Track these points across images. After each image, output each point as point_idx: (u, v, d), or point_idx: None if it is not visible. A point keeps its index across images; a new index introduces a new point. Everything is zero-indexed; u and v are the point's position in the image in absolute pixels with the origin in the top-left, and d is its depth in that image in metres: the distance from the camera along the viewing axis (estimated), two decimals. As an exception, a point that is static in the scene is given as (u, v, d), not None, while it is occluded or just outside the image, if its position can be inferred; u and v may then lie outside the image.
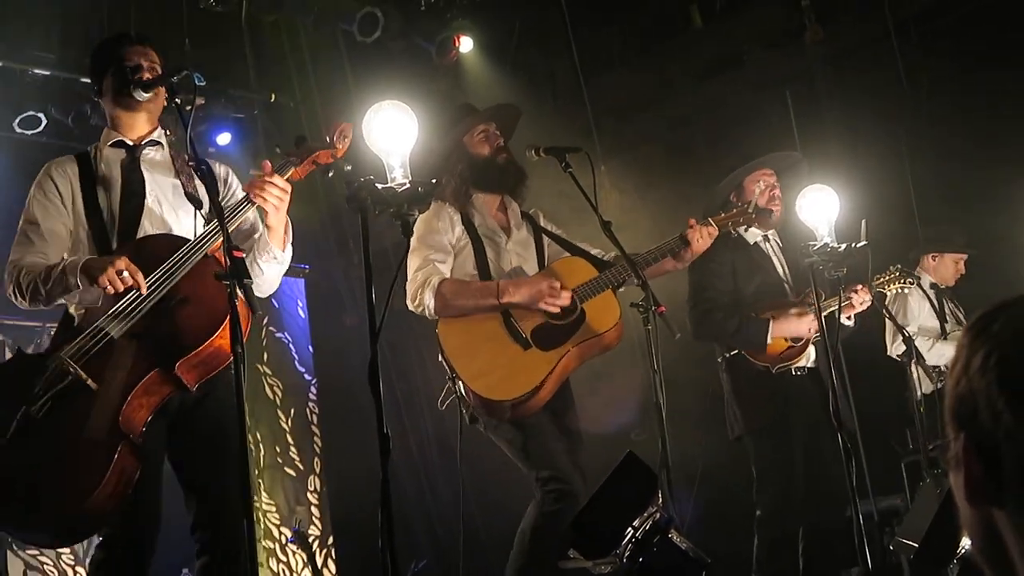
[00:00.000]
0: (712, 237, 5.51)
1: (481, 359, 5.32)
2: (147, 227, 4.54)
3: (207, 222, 4.51)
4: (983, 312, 1.47)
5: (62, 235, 4.53)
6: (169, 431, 4.40)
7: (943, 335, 7.64)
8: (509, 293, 5.32)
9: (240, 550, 4.28)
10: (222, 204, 4.50)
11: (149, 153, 4.71)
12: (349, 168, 4.28)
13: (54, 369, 4.16)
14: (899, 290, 6.53)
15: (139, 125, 4.70)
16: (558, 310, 5.30)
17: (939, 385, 7.10)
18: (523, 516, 5.33)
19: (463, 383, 5.28)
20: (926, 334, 7.58)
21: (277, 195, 4.44)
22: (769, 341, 6.08)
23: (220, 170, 4.82)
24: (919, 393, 7.04)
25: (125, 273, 4.18)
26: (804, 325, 6.01)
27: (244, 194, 4.53)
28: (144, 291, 4.22)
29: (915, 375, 6.97)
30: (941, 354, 7.44)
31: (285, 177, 4.50)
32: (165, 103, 4.69)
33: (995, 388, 1.37)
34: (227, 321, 3.97)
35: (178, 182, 4.68)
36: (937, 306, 7.82)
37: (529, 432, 5.32)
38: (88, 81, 4.79)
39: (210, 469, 4.42)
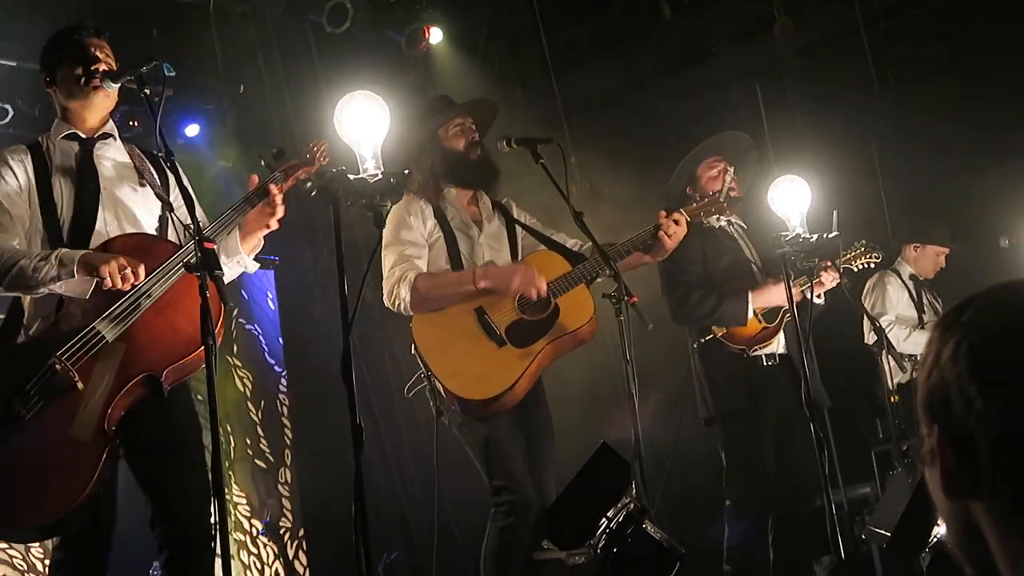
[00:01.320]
0: (684, 228, 5.49)
1: (455, 357, 5.30)
2: (104, 224, 4.50)
3: (179, 218, 4.51)
4: (951, 307, 1.48)
5: (26, 222, 4.47)
6: (127, 428, 4.35)
7: (920, 325, 7.68)
8: (485, 278, 5.30)
9: (203, 542, 4.30)
10: (163, 198, 4.53)
11: (102, 147, 4.66)
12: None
13: (46, 369, 4.14)
14: (865, 265, 6.55)
15: (92, 118, 4.64)
16: (535, 297, 5.28)
17: (913, 374, 7.13)
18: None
19: (438, 380, 5.26)
20: (903, 323, 7.63)
21: (280, 212, 4.57)
22: (750, 314, 6.09)
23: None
24: (891, 383, 7.08)
25: (128, 270, 4.17)
26: (782, 292, 5.98)
27: (243, 197, 4.57)
28: (139, 282, 4.21)
29: (887, 365, 7.00)
30: (917, 343, 7.47)
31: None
32: (118, 96, 4.67)
33: (966, 376, 1.38)
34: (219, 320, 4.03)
35: (137, 178, 4.66)
36: (916, 296, 7.86)
37: (491, 434, 5.29)
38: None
39: (168, 465, 4.40)
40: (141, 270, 4.20)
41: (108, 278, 4.13)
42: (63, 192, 4.51)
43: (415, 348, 5.38)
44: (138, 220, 4.58)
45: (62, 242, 4.41)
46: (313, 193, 4.49)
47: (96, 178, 4.57)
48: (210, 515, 4.29)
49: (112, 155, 4.68)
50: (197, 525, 4.33)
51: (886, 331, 7.32)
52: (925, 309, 7.83)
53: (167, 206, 4.59)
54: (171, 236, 4.59)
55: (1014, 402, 1.35)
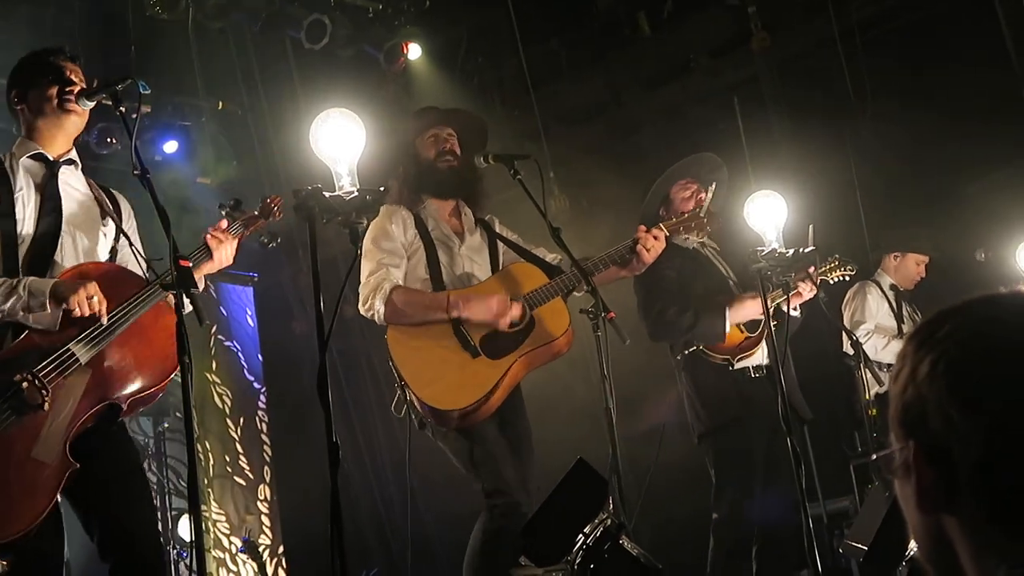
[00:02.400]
0: (663, 243, 5.48)
1: (430, 367, 5.29)
2: (62, 249, 4.47)
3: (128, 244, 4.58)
4: (925, 321, 1.48)
5: None
6: (79, 455, 4.25)
7: (899, 335, 7.69)
8: (459, 308, 5.29)
9: (156, 568, 4.34)
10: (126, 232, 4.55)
11: (66, 172, 4.63)
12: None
13: (18, 386, 4.10)
14: (840, 278, 6.58)
15: (60, 141, 4.60)
16: (508, 327, 5.28)
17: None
18: (475, 524, 5.32)
19: (411, 391, 5.26)
20: (882, 332, 7.65)
21: (229, 255, 4.65)
22: (727, 328, 6.10)
23: (124, 204, 4.82)
24: (868, 395, 7.09)
25: (95, 298, 4.16)
26: (758, 306, 5.98)
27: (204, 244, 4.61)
28: (105, 321, 4.21)
29: (864, 378, 7.02)
30: (896, 352, 7.46)
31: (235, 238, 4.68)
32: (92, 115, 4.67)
33: (946, 394, 1.38)
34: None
35: (92, 206, 4.64)
36: (895, 307, 7.88)
37: (475, 442, 5.28)
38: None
39: (120, 494, 4.37)
40: (104, 307, 4.19)
41: (77, 308, 4.13)
42: (25, 213, 4.46)
43: (390, 358, 5.37)
44: (94, 250, 4.57)
45: (16, 263, 4.36)
46: (271, 246, 4.66)
47: (59, 202, 4.53)
48: (160, 541, 4.31)
49: (75, 183, 4.65)
50: (151, 551, 4.34)
51: (864, 340, 7.35)
52: (905, 319, 7.84)
53: (125, 237, 4.59)
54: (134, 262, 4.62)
55: (996, 423, 1.35)
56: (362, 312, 5.40)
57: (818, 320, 6.56)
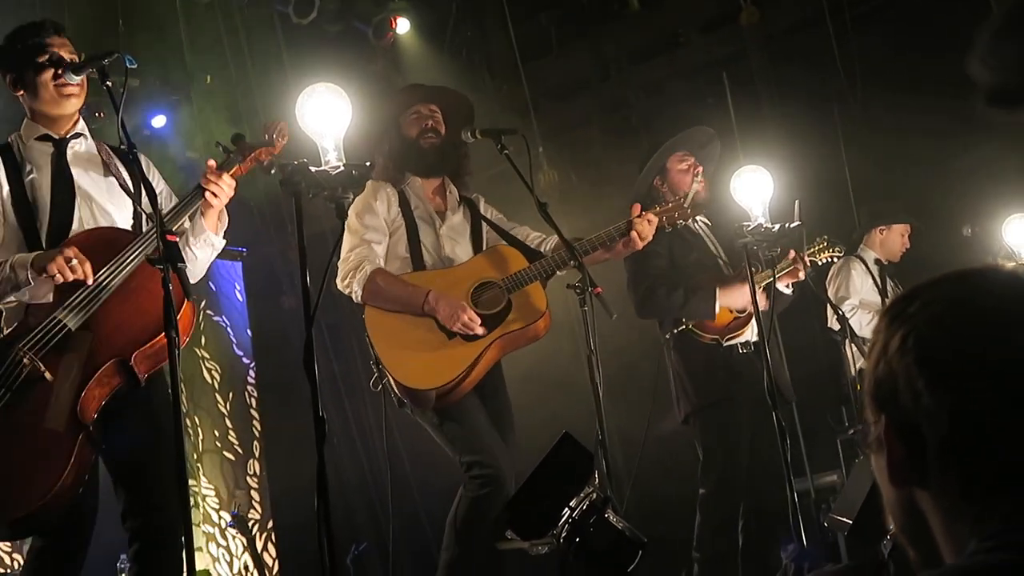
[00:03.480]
0: (653, 230, 5.50)
1: (406, 346, 5.30)
2: (80, 222, 4.49)
3: (142, 209, 4.53)
4: (898, 296, 1.49)
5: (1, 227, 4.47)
6: (104, 421, 4.33)
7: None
8: (431, 307, 5.30)
9: (173, 536, 4.31)
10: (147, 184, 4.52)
11: (75, 146, 4.64)
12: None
13: (11, 362, 4.12)
14: (828, 260, 6.59)
15: (63, 118, 4.61)
16: (460, 330, 5.28)
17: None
18: None
19: (387, 370, 5.27)
20: (867, 308, 7.66)
21: (226, 192, 4.54)
22: (717, 310, 6.11)
23: (143, 159, 4.78)
24: (854, 370, 7.12)
25: (74, 261, 4.17)
26: (749, 294, 6.00)
27: (196, 185, 4.55)
28: (91, 281, 4.21)
29: (849, 353, 7.04)
30: None
31: (230, 173, 4.57)
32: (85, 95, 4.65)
33: (914, 368, 1.39)
34: (182, 312, 4.05)
35: (108, 174, 4.65)
36: (879, 282, 7.88)
37: (454, 416, 5.30)
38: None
39: (143, 460, 4.39)
40: (88, 267, 4.20)
41: (58, 274, 4.14)
42: (39, 194, 4.50)
43: (367, 336, 5.39)
44: (112, 217, 4.58)
45: (40, 244, 4.40)
46: (272, 171, 4.53)
47: (71, 178, 4.55)
48: (177, 514, 4.31)
49: (84, 154, 4.66)
50: (171, 516, 4.32)
51: (849, 316, 7.37)
52: (889, 294, 7.85)
53: (136, 200, 4.59)
54: (145, 229, 4.57)
55: (962, 398, 1.36)
56: (339, 287, 5.41)
57: (805, 295, 6.58)
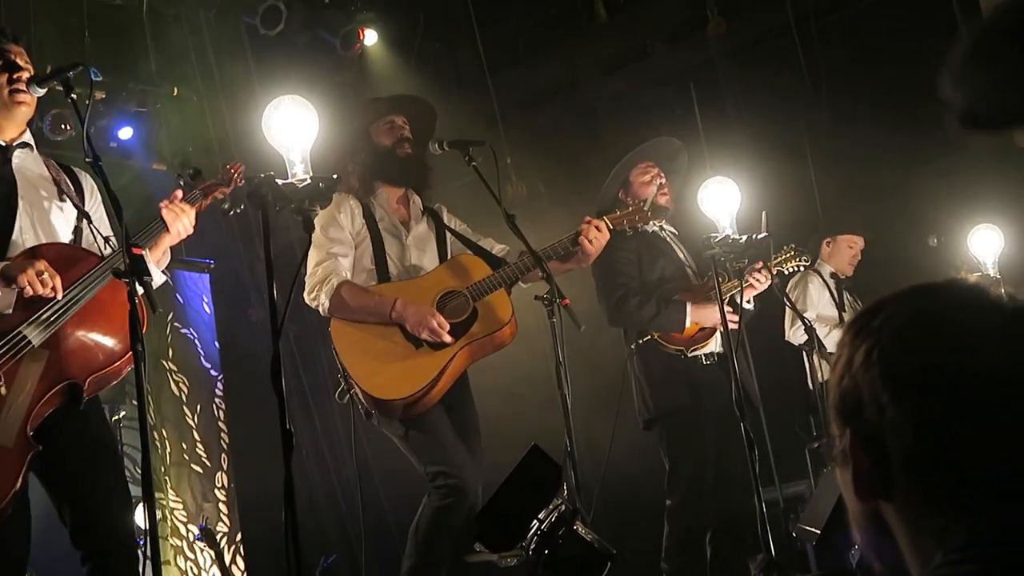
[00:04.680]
0: (606, 235, 5.52)
1: (373, 358, 5.31)
2: (20, 232, 4.41)
3: (88, 223, 4.52)
4: (863, 310, 1.50)
5: None
6: (44, 438, 4.23)
7: (840, 323, 7.71)
8: (399, 314, 5.30)
9: (129, 547, 4.33)
10: (87, 211, 4.50)
11: (20, 156, 4.57)
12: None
13: None
14: (795, 268, 6.60)
15: (12, 126, 4.54)
16: (428, 337, 5.30)
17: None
18: None
19: (354, 382, 5.27)
20: (824, 322, 7.66)
21: (187, 225, 4.56)
22: (687, 324, 6.12)
23: (86, 181, 4.76)
24: (820, 380, 7.13)
25: (45, 275, 4.13)
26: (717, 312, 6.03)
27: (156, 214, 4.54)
28: (60, 296, 4.18)
29: (816, 363, 7.06)
30: (837, 342, 7.48)
31: (193, 207, 4.59)
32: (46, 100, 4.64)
33: (879, 382, 1.40)
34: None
35: (53, 187, 4.60)
36: (836, 296, 7.89)
37: (419, 427, 5.31)
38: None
39: (88, 473, 4.35)
40: (58, 281, 4.17)
41: (28, 286, 4.10)
42: None
43: (333, 348, 5.40)
44: (54, 230, 4.52)
45: None
46: (231, 212, 4.57)
47: (14, 184, 4.48)
48: (132, 520, 4.27)
49: (30, 165, 4.60)
50: (121, 530, 4.32)
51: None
52: (846, 307, 7.86)
53: (85, 217, 4.55)
54: (85, 247, 4.55)
55: (925, 411, 1.37)
56: (307, 301, 5.42)
57: (773, 304, 6.59)
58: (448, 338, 5.28)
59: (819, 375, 7.08)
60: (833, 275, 7.97)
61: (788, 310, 7.52)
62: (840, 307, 7.83)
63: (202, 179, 4.71)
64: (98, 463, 4.37)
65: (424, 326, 5.25)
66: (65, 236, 4.55)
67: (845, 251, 8.01)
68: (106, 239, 4.53)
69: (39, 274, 4.12)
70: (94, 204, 4.69)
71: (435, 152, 5.49)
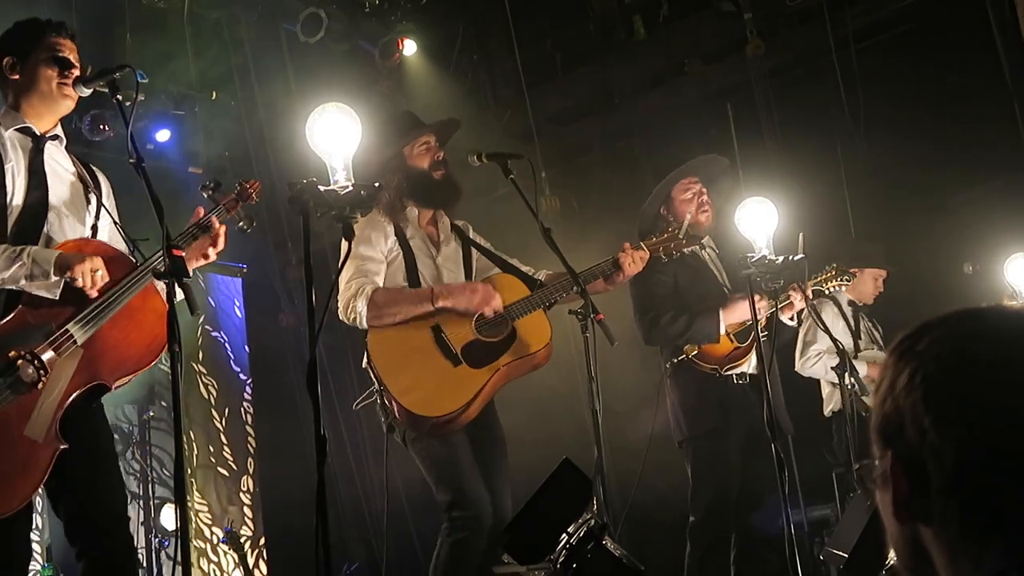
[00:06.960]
0: (643, 261, 5.53)
1: (410, 373, 5.28)
2: (50, 224, 4.42)
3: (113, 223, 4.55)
4: (908, 332, 1.49)
5: None
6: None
7: (855, 353, 7.64)
8: (443, 297, 5.30)
9: (128, 546, 4.36)
10: (107, 207, 4.54)
11: (51, 148, 4.59)
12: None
13: (16, 364, 4.06)
14: (837, 288, 6.58)
15: (50, 117, 4.57)
16: (490, 315, 5.30)
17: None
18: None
19: (391, 396, 5.24)
20: (835, 352, 7.62)
21: (220, 249, 4.56)
22: (722, 331, 6.10)
23: (104, 181, 4.76)
24: (849, 407, 7.08)
25: (100, 272, 4.15)
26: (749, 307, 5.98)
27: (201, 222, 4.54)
28: (95, 294, 4.18)
29: (847, 388, 7.02)
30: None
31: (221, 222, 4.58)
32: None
33: (921, 406, 1.40)
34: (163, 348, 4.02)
35: (77, 184, 4.60)
36: (852, 324, 7.83)
37: (443, 451, 5.29)
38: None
39: (91, 472, 4.34)
40: (107, 282, 4.19)
41: (80, 279, 4.11)
42: (13, 184, 4.41)
43: (369, 362, 5.34)
44: (79, 226, 4.53)
45: (5, 232, 4.32)
46: (247, 231, 4.55)
47: (45, 179, 4.49)
48: (127, 528, 4.30)
49: (60, 159, 4.61)
50: (121, 530, 4.33)
51: (814, 361, 7.40)
52: (862, 336, 7.81)
53: (108, 215, 4.57)
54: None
55: (968, 437, 1.37)
56: (342, 317, 5.38)
57: (787, 332, 6.58)
58: (499, 301, 5.29)
59: (851, 398, 7.01)
60: (851, 303, 7.91)
61: (799, 340, 7.50)
62: (856, 335, 7.78)
63: (222, 192, 4.69)
64: (98, 459, 4.37)
65: (486, 302, 5.27)
66: (86, 232, 4.57)
67: (870, 283, 7.94)
68: (132, 241, 4.54)
69: (94, 271, 4.14)
70: (111, 203, 4.70)
71: (473, 164, 5.47)
